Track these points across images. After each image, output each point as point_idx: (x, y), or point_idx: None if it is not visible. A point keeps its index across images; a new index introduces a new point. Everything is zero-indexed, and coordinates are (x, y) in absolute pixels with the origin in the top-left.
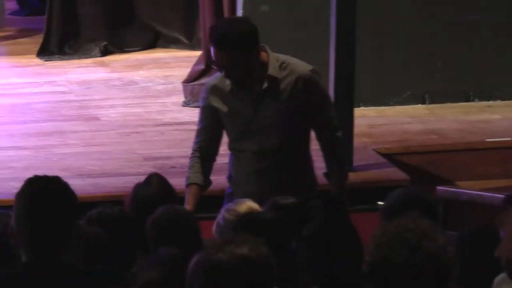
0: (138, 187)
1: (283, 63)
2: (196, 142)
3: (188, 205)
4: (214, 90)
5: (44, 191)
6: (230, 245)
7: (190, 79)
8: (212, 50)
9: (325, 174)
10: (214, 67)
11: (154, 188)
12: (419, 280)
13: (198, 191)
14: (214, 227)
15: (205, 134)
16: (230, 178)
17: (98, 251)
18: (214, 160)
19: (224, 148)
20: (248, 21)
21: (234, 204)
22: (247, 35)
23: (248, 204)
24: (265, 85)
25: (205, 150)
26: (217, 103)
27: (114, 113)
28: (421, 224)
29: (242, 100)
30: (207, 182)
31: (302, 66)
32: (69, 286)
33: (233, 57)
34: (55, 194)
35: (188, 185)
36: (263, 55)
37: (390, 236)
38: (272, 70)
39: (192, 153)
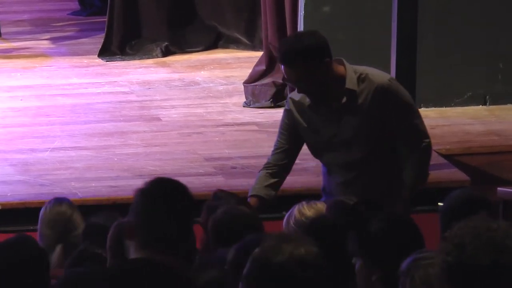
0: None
1: (361, 74)
2: (271, 155)
3: None
4: (296, 103)
5: (169, 191)
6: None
7: (251, 80)
8: (282, 67)
9: None
10: (289, 85)
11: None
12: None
13: (257, 203)
14: (284, 224)
15: (281, 145)
16: (323, 188)
17: None
18: (284, 176)
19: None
20: (315, 34)
21: (304, 205)
22: (311, 47)
23: (319, 206)
24: (344, 99)
25: (277, 167)
26: (297, 117)
27: (175, 114)
28: (502, 224)
29: (322, 116)
30: (271, 196)
31: (379, 77)
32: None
33: (299, 70)
34: (177, 195)
35: (250, 196)
36: (340, 68)
37: (472, 236)
38: (350, 83)
39: (264, 166)
